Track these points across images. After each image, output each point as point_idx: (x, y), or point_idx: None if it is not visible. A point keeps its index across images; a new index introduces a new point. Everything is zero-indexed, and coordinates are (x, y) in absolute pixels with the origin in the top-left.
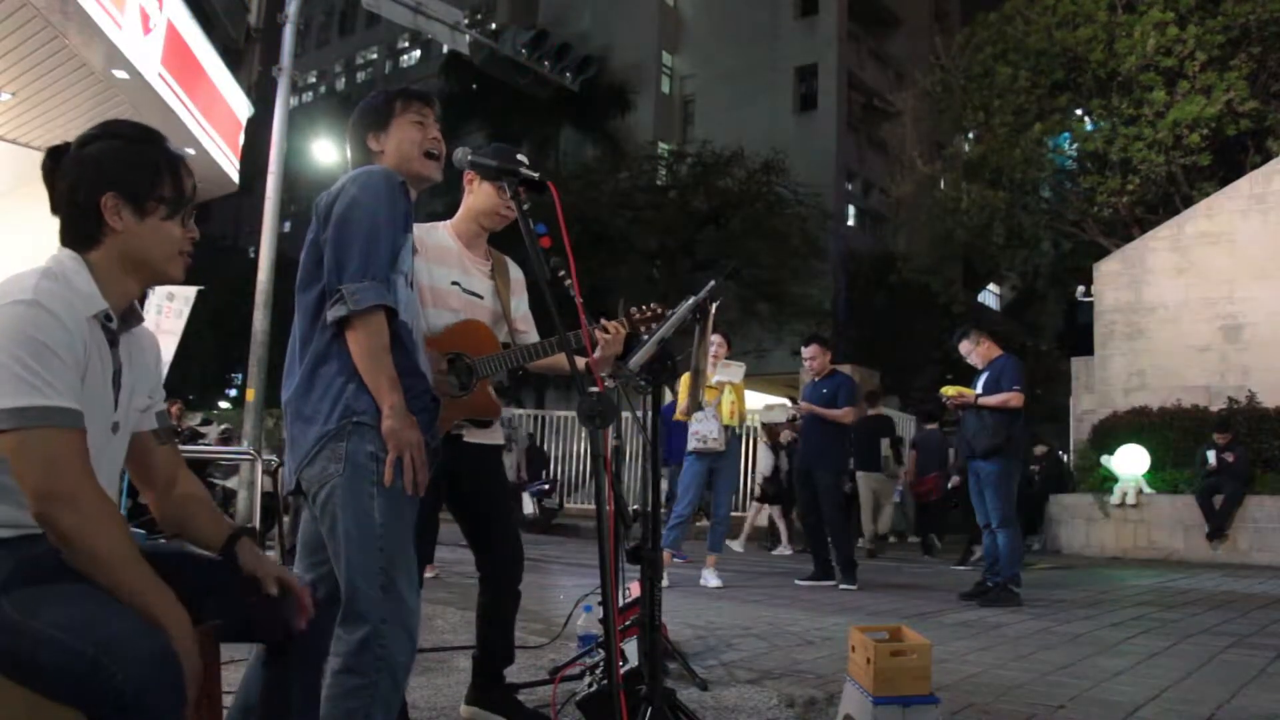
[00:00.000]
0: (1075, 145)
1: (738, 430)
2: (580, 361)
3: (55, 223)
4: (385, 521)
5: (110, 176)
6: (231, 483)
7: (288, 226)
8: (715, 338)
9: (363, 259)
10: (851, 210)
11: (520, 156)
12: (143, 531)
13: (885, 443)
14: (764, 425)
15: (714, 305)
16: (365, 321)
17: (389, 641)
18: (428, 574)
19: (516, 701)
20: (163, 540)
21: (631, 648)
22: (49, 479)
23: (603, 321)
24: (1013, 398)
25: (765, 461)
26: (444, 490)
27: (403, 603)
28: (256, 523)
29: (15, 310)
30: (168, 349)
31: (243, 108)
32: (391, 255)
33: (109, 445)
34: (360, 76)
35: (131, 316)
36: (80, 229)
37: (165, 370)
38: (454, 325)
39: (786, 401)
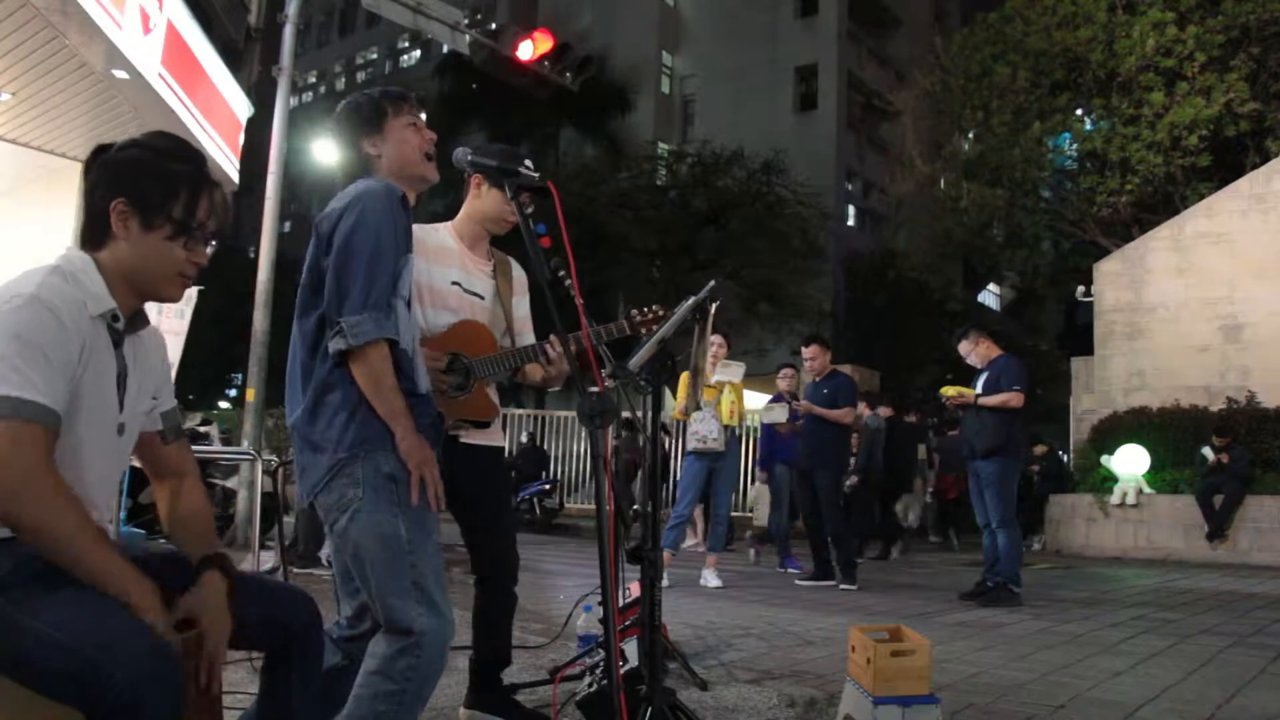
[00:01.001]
0: (1074, 145)
1: (737, 430)
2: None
3: (55, 222)
4: (412, 538)
5: (125, 184)
6: (231, 483)
7: (288, 226)
8: (715, 338)
9: (364, 290)
10: (851, 210)
11: (527, 161)
12: (142, 531)
13: (922, 448)
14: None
15: (714, 305)
16: (367, 354)
17: (425, 654)
18: None
19: (515, 703)
20: (162, 541)
21: (631, 648)
22: (3, 471)
23: (551, 339)
24: (1013, 398)
25: None
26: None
27: (442, 616)
28: (256, 521)
29: (15, 303)
30: (174, 350)
31: (243, 108)
32: (393, 279)
33: (114, 446)
34: (360, 76)
35: (139, 318)
36: (91, 226)
37: (174, 372)
38: (453, 325)
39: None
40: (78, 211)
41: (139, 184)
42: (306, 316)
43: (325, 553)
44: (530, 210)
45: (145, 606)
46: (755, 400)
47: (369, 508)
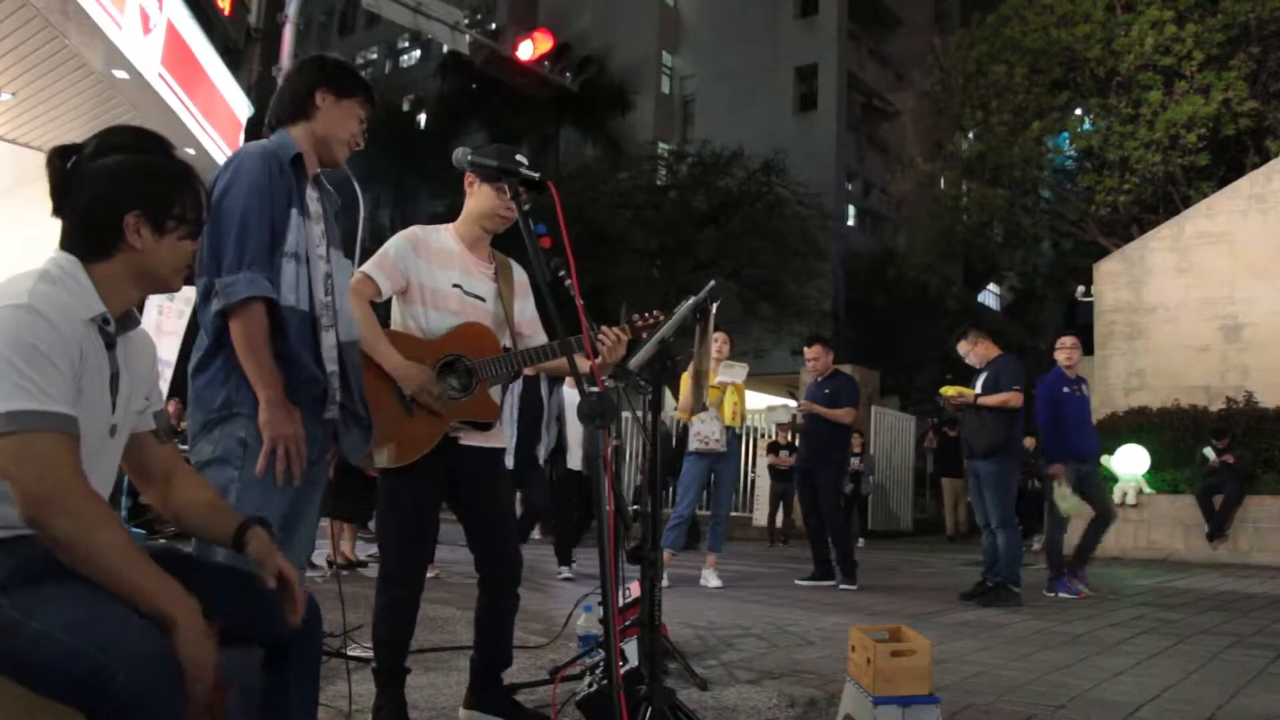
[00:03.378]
0: (1072, 144)
1: (739, 431)
2: (583, 363)
3: (55, 223)
4: (241, 506)
5: (133, 195)
6: None
7: None
8: (719, 335)
9: (236, 250)
10: (851, 210)
11: (519, 157)
12: (142, 531)
13: None
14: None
15: (714, 305)
16: (239, 315)
17: None
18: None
19: (515, 703)
20: (162, 541)
21: (631, 648)
22: (39, 484)
23: (603, 329)
24: (1012, 398)
25: None
26: (444, 491)
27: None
28: None
29: (9, 314)
30: (170, 350)
31: (243, 108)
32: (270, 237)
33: (106, 448)
34: None
35: (129, 320)
36: (94, 242)
37: (170, 371)
38: (455, 327)
39: (790, 402)
40: (73, 226)
41: (143, 193)
42: (201, 275)
43: (324, 552)
44: (528, 206)
45: (187, 623)
46: (755, 401)
47: (214, 468)
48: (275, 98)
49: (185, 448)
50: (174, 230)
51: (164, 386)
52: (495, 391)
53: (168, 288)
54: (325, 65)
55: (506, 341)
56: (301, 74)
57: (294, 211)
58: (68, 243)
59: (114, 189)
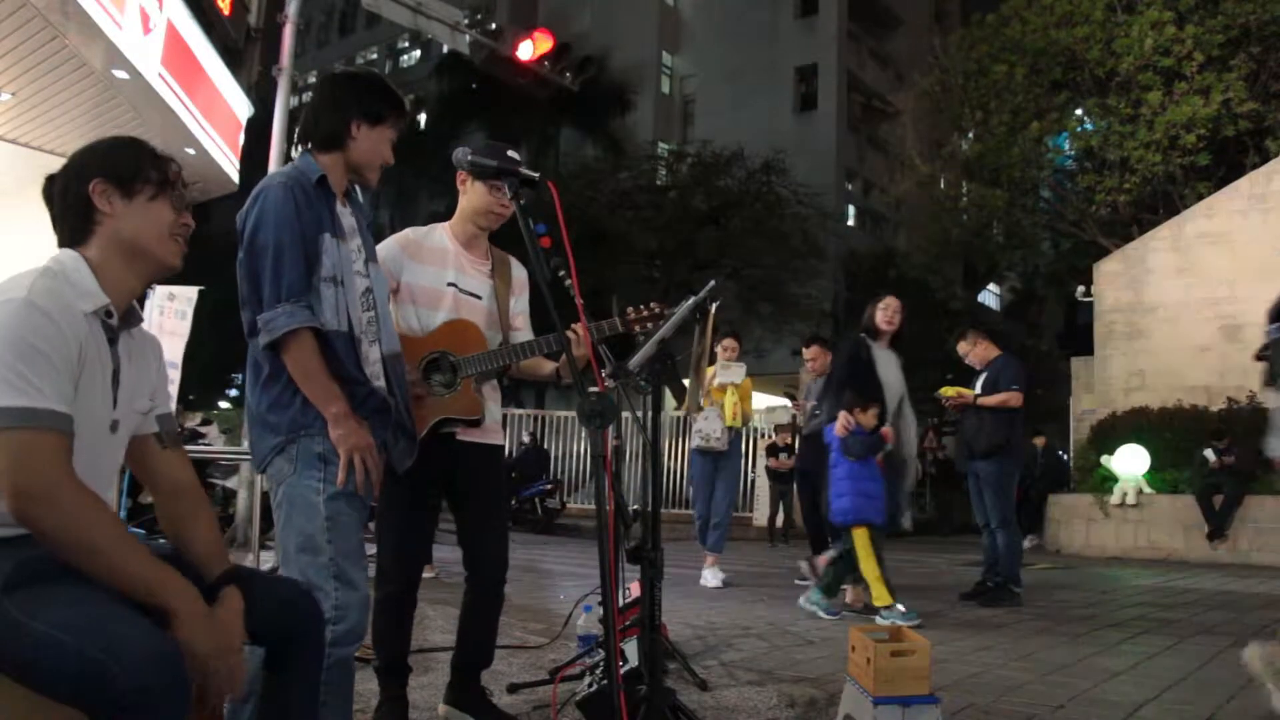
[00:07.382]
0: (1072, 144)
1: (740, 430)
2: (579, 352)
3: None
4: (331, 516)
5: (95, 165)
6: (231, 483)
7: None
8: (728, 341)
9: (273, 284)
10: (851, 210)
11: (512, 154)
12: (142, 531)
13: None
14: None
15: (714, 305)
16: (288, 346)
17: (340, 625)
18: (427, 574)
19: (490, 704)
20: (162, 541)
21: (631, 648)
22: (25, 478)
23: (573, 326)
24: (1011, 398)
25: None
26: (442, 488)
27: (356, 590)
28: (256, 521)
29: (7, 309)
30: (174, 351)
31: (243, 108)
32: (306, 265)
33: (107, 443)
34: None
35: (132, 316)
36: (74, 222)
37: (177, 374)
38: (443, 324)
39: (787, 402)
40: (56, 218)
41: (105, 162)
42: (244, 309)
43: None
44: (523, 202)
45: (189, 613)
46: (757, 401)
47: (297, 484)
48: (305, 117)
49: (194, 448)
50: (142, 191)
51: (172, 390)
52: (491, 388)
53: (160, 260)
54: (360, 94)
55: (499, 339)
56: (334, 103)
57: (326, 236)
58: (60, 237)
59: (75, 169)
